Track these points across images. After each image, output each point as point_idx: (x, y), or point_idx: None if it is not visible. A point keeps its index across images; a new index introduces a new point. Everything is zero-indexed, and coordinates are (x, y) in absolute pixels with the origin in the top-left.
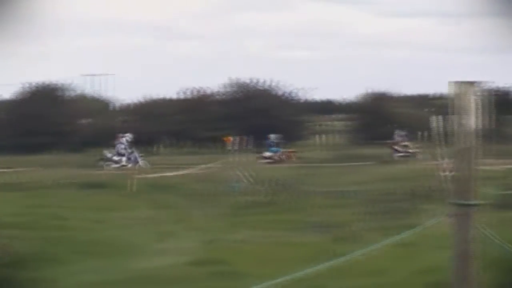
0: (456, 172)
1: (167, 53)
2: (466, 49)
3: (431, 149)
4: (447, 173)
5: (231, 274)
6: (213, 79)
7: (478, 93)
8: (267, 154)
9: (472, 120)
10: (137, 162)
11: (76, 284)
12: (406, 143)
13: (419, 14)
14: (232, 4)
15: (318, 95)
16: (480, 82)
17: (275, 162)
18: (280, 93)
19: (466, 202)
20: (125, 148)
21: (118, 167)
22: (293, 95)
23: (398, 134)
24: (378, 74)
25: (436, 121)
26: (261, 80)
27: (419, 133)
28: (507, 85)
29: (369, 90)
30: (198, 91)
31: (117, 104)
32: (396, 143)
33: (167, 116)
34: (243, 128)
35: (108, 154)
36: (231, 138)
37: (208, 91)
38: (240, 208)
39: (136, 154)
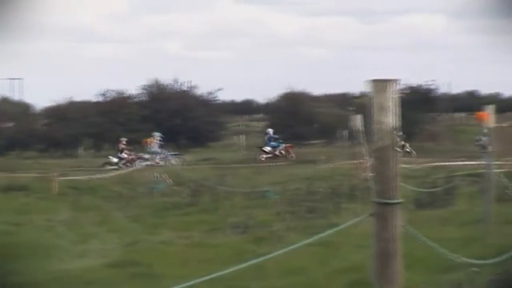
0: (376, 171)
1: (86, 56)
2: (386, 47)
3: (352, 148)
4: (368, 172)
5: (150, 275)
6: (132, 81)
7: (397, 91)
8: (268, 149)
9: (391, 118)
10: (170, 160)
11: None
12: (402, 142)
13: (338, 13)
14: (149, 6)
15: (238, 95)
16: (399, 80)
17: (276, 157)
18: (199, 94)
19: (387, 201)
20: (158, 147)
21: (151, 165)
22: (212, 95)
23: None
24: (298, 73)
25: (356, 120)
26: (180, 81)
27: (341, 132)
28: (428, 83)
29: (288, 90)
30: (118, 93)
31: (38, 108)
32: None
33: (87, 118)
34: (162, 130)
35: (113, 159)
36: (151, 140)
37: (128, 93)
38: (161, 209)
39: (167, 152)
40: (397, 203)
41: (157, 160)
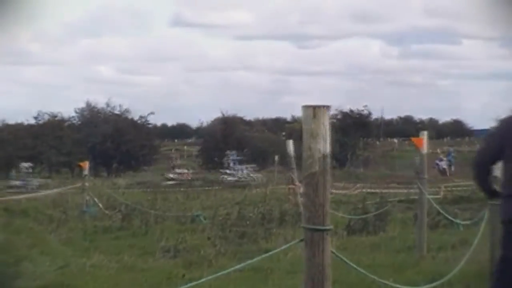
0: (306, 197)
1: (20, 78)
2: (321, 72)
3: (284, 173)
4: (300, 197)
5: None
6: (66, 104)
7: (331, 117)
8: None
9: (323, 144)
10: (250, 175)
11: None
12: None
13: (272, 37)
14: (84, 29)
15: (172, 119)
16: (330, 106)
17: None
18: (131, 117)
19: (317, 227)
20: (237, 164)
21: (236, 180)
22: (144, 119)
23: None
24: (231, 97)
25: (288, 145)
26: (113, 105)
27: (274, 157)
28: (361, 108)
29: (221, 114)
30: (51, 116)
31: None
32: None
33: (21, 141)
34: (96, 153)
35: (170, 175)
36: (86, 163)
37: (61, 116)
38: (92, 233)
39: (246, 168)
40: (328, 229)
41: (239, 175)
